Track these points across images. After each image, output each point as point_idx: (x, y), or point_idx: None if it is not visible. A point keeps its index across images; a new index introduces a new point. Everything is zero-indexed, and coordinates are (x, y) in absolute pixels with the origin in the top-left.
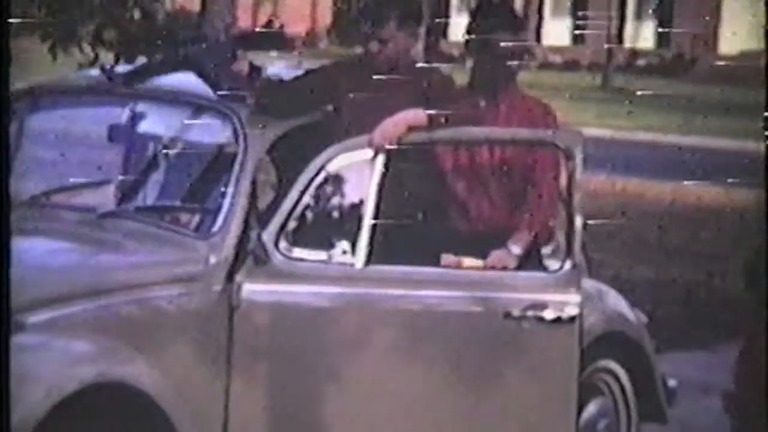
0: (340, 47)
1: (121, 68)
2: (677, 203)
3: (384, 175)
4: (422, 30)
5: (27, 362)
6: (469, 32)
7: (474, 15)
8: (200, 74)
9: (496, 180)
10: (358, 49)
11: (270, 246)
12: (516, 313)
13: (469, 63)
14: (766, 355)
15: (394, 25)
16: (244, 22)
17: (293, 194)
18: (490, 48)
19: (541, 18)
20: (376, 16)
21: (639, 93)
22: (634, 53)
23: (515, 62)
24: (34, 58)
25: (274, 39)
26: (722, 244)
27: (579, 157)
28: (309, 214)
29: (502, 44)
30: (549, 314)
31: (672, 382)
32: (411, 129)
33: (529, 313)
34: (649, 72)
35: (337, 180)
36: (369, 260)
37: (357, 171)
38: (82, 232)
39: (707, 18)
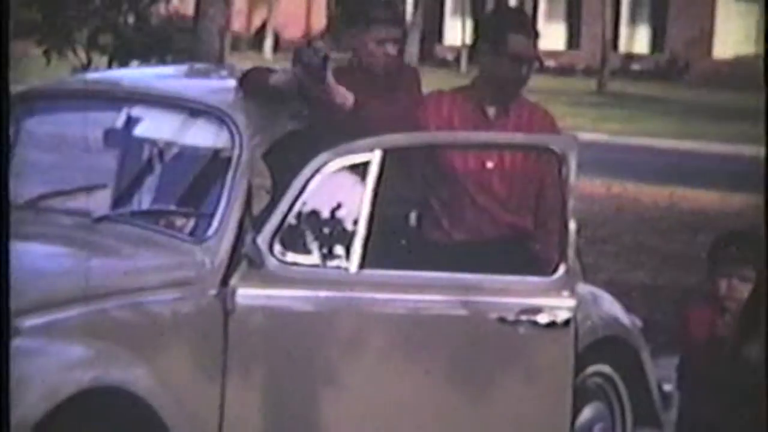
0: (334, 51)
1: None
2: (673, 207)
3: (378, 180)
4: (417, 33)
5: (23, 366)
6: (476, 34)
7: (488, 17)
8: None
9: (495, 185)
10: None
11: (264, 250)
12: (510, 317)
13: (471, 66)
14: (767, 356)
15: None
16: (238, 25)
17: (288, 198)
18: (503, 51)
19: (535, 22)
20: (365, 19)
21: (634, 97)
22: (629, 58)
23: (526, 68)
24: (29, 62)
25: None
26: None
27: (573, 162)
28: (303, 219)
29: (516, 48)
30: (543, 318)
31: (667, 387)
32: None
33: (523, 317)
34: (644, 76)
35: (331, 184)
36: (363, 264)
37: (351, 175)
38: (77, 236)
39: (701, 22)
